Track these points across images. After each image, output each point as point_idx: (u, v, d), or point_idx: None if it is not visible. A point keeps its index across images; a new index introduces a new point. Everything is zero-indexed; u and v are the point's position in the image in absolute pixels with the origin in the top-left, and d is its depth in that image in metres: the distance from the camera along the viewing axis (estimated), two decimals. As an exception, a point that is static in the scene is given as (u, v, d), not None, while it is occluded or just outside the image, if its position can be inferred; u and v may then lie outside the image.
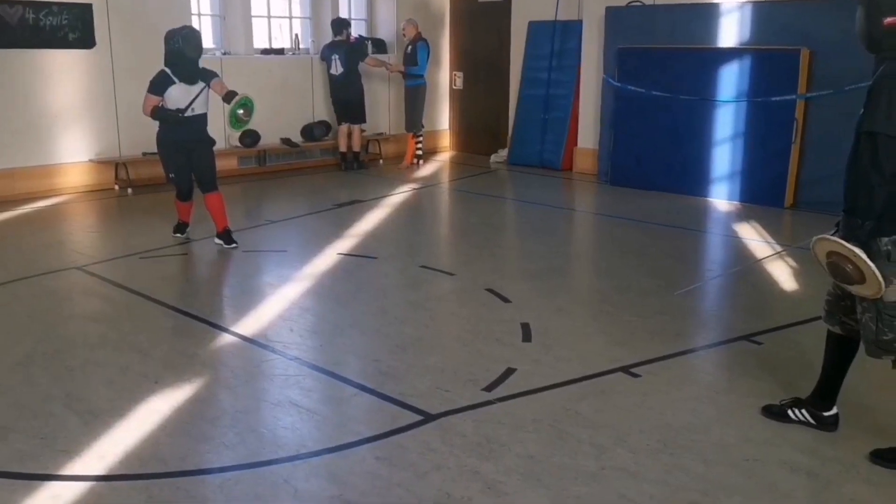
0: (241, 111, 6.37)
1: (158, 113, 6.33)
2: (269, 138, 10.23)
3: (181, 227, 6.95)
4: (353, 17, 11.32)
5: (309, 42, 10.92)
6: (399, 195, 9.00)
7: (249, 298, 5.45)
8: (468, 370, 4.20)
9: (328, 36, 10.46)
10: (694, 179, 8.75)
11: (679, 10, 8.84)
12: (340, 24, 10.35)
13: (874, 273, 2.97)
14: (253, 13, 10.22)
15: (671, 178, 8.84)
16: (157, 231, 7.16)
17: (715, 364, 4.45)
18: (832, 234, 3.19)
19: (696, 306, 5.35)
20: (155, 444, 3.46)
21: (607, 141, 9.54)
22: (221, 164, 9.80)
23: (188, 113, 6.33)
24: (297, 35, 10.82)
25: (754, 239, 7.04)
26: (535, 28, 10.73)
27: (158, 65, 6.40)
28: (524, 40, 10.90)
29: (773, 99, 8.04)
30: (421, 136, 10.78)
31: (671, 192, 8.76)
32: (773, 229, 7.36)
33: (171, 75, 6.28)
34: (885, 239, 3.04)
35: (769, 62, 8.14)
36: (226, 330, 4.83)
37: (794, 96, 7.95)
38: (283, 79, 10.33)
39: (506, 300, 5.34)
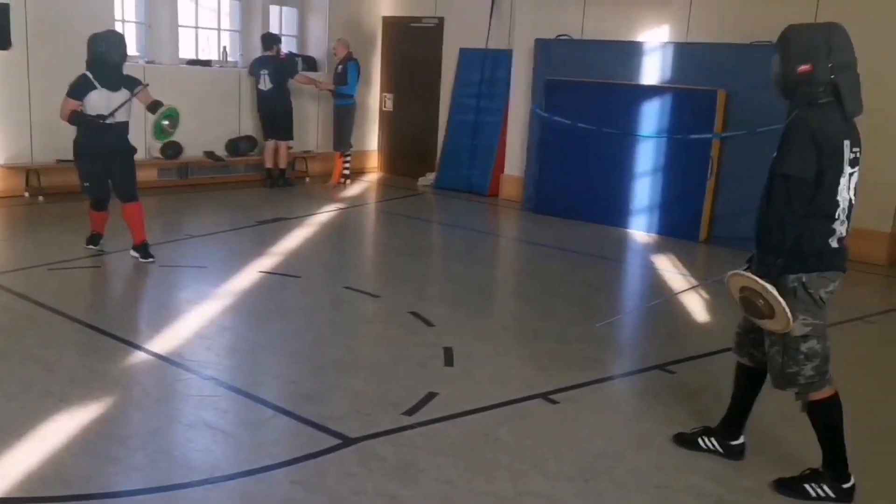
0: (166, 122, 6.22)
1: (76, 118, 6.06)
2: (193, 151, 10.01)
3: (95, 239, 6.67)
4: (283, 32, 11.23)
5: (237, 55, 10.77)
6: (325, 214, 8.92)
7: (165, 315, 5.29)
8: (389, 393, 4.17)
9: (258, 50, 10.35)
10: (615, 210, 8.97)
11: (605, 47, 9.10)
12: (271, 40, 10.26)
13: (784, 309, 3.10)
14: (180, 23, 10.02)
15: (593, 208, 9.05)
16: (68, 242, 6.89)
17: (630, 392, 4.55)
18: (744, 270, 3.32)
19: (613, 335, 5.47)
20: (58, 464, 3.30)
21: (533, 169, 9.70)
22: (141, 176, 9.44)
23: (109, 120, 6.07)
24: (225, 47, 10.67)
25: (670, 271, 7.26)
26: (466, 55, 10.87)
27: (78, 69, 6.19)
28: (455, 66, 11.02)
29: (691, 137, 8.35)
30: (349, 155, 10.74)
31: (593, 221, 8.96)
32: (689, 262, 7.61)
33: (93, 80, 6.04)
34: (793, 276, 3.16)
35: (688, 101, 8.45)
36: (138, 347, 4.67)
37: (710, 135, 8.26)
38: (208, 91, 10.14)
39: (429, 324, 5.34)
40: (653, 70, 8.83)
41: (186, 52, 10.36)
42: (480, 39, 10.54)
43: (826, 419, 3.31)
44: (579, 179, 9.19)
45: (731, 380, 3.69)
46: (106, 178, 6.30)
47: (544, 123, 9.39)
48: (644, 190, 8.82)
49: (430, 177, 11.21)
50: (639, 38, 9.00)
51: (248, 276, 6.26)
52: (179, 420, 3.82)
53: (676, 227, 8.55)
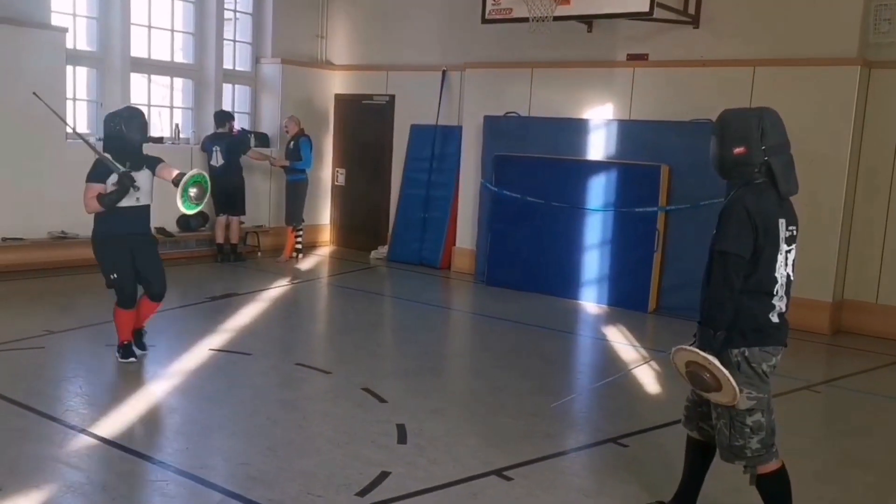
0: (193, 190, 5.52)
1: (106, 198, 5.46)
2: (142, 227, 9.90)
3: (129, 349, 5.83)
4: (236, 110, 11.34)
5: (190, 132, 10.82)
6: (276, 289, 8.86)
7: (111, 397, 5.16)
8: (341, 474, 4.10)
9: (210, 127, 10.42)
10: (565, 282, 9.11)
11: (552, 123, 9.40)
12: (223, 117, 10.35)
13: (729, 380, 3.18)
14: (133, 100, 10.05)
15: (545, 280, 9.17)
16: (8, 322, 6.70)
17: (584, 466, 4.55)
18: (690, 345, 3.40)
19: (566, 409, 5.48)
20: (-7, 560, 3.16)
21: (484, 242, 9.83)
22: (88, 253, 9.41)
23: (133, 203, 5.57)
24: (177, 124, 10.71)
25: (621, 342, 7.35)
26: (417, 131, 11.09)
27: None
28: (406, 142, 11.23)
29: (637, 210, 8.59)
30: (301, 230, 10.75)
31: (545, 293, 9.07)
32: (638, 333, 7.72)
33: (113, 161, 5.55)
34: (736, 350, 3.26)
35: (633, 175, 8.73)
36: (83, 431, 4.52)
37: (655, 208, 8.52)
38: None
39: (382, 400, 5.29)
40: (598, 146, 9.12)
41: (138, 128, 10.35)
42: (431, 116, 10.79)
43: (774, 492, 3.37)
44: (530, 252, 9.34)
45: (683, 452, 3.73)
46: (132, 269, 5.70)
47: (494, 197, 9.57)
48: (593, 262, 8.99)
49: (383, 250, 11.27)
50: (584, 116, 9.32)
51: (198, 354, 6.16)
52: (124, 508, 3.70)
53: (626, 299, 8.70)
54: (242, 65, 11.52)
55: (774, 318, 3.29)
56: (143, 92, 10.40)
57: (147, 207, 5.78)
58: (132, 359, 5.79)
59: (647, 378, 6.26)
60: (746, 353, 3.25)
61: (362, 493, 3.89)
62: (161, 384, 5.42)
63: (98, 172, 5.58)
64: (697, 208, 8.16)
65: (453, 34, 10.56)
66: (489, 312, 8.45)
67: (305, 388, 5.63)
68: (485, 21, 9.12)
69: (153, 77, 10.52)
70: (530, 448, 4.59)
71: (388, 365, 6.47)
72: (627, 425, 5.08)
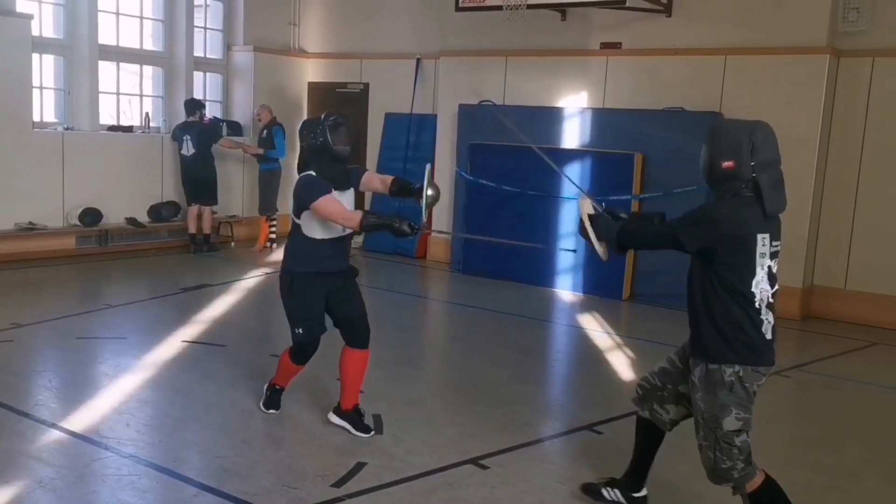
0: (430, 192, 4.63)
1: (374, 223, 4.26)
2: (113, 217, 9.79)
3: (276, 399, 4.85)
4: (208, 98, 11.20)
5: (160, 121, 10.67)
6: (251, 280, 8.79)
7: (81, 390, 5.08)
8: (317, 465, 4.09)
9: (181, 116, 10.28)
10: (541, 271, 9.13)
11: (527, 112, 9.38)
12: (194, 105, 10.21)
13: (594, 244, 3.53)
14: (101, 89, 9.90)
15: (520, 269, 9.19)
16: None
17: (560, 454, 4.58)
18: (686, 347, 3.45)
19: (543, 397, 5.51)
20: (-38, 558, 3.11)
21: (460, 231, 9.82)
22: (57, 244, 9.37)
23: (341, 233, 4.46)
24: (147, 113, 10.55)
25: (596, 330, 7.40)
26: (392, 120, 11.04)
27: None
28: (381, 130, 11.17)
29: (611, 198, 8.61)
30: (275, 219, 10.67)
31: (520, 281, 9.09)
32: (613, 320, 7.77)
33: (322, 181, 4.37)
34: (730, 370, 3.18)
35: (607, 164, 8.76)
36: (52, 425, 4.46)
37: (629, 196, 8.55)
38: (130, 157, 9.99)
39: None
40: (573, 134, 9.13)
41: (107, 118, 10.21)
42: (405, 104, 10.74)
43: (772, 500, 3.31)
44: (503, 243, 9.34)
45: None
46: (323, 317, 4.63)
47: (470, 186, 9.56)
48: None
49: (358, 239, 11.20)
50: (559, 104, 9.32)
51: (171, 346, 6.10)
52: (96, 503, 3.65)
53: (601, 286, 8.75)
54: (213, 52, 11.37)
55: (768, 335, 3.22)
56: (112, 80, 10.24)
57: (351, 237, 4.64)
58: (273, 410, 4.83)
59: (622, 366, 6.30)
60: (741, 373, 3.18)
61: (338, 483, 3.88)
62: (133, 377, 5.35)
63: (320, 185, 4.34)
64: (671, 196, 8.20)
65: (427, 22, 10.51)
66: (465, 301, 8.46)
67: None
68: (459, 9, 9.08)
69: (122, 65, 10.36)
70: (506, 437, 4.61)
71: (363, 355, 6.43)
72: (602, 413, 5.11)
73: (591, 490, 3.82)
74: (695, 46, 8.42)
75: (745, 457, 3.24)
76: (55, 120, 9.66)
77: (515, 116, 9.48)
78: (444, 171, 10.21)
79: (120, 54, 10.24)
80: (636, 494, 3.71)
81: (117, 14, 10.18)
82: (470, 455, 4.29)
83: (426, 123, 10.59)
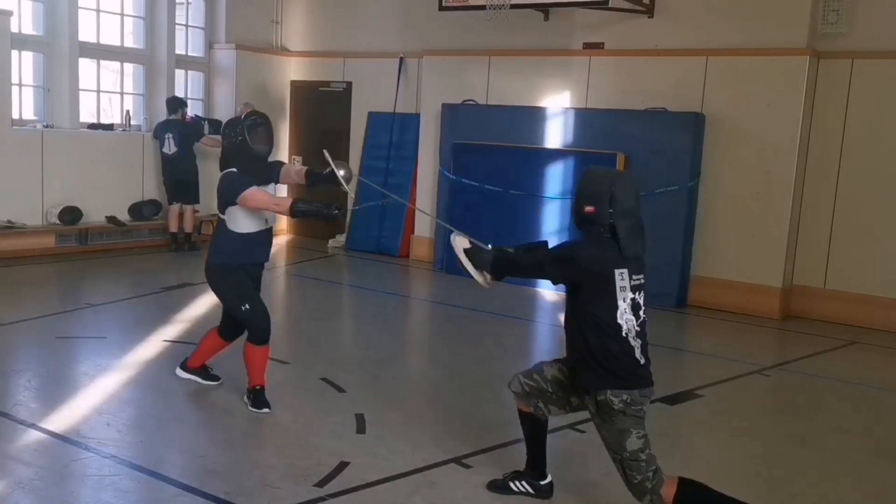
0: (342, 171, 4.77)
1: (304, 207, 4.50)
2: (94, 216, 9.71)
3: (261, 397, 4.81)
4: (189, 96, 11.13)
5: (141, 119, 10.59)
6: (232, 279, 8.74)
7: (61, 390, 5.04)
8: (300, 465, 4.08)
9: (162, 114, 10.21)
10: (523, 270, 9.14)
11: (510, 111, 9.41)
12: (176, 103, 10.15)
13: (473, 275, 3.77)
14: (81, 86, 9.81)
15: (502, 268, 9.19)
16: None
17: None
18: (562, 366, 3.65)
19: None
20: (-61, 560, 3.08)
21: (443, 230, 9.83)
22: (37, 243, 9.27)
23: (264, 226, 4.76)
24: (128, 111, 10.48)
25: (578, 328, 7.42)
26: (375, 118, 11.02)
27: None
28: (364, 129, 11.15)
29: (594, 197, 8.66)
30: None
31: (502, 281, 9.08)
32: (595, 319, 7.80)
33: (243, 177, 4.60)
34: (617, 399, 3.37)
35: (590, 163, 8.74)
36: (32, 425, 4.42)
37: (612, 196, 8.58)
38: (110, 155, 9.91)
39: (340, 390, 5.27)
40: (556, 134, 9.16)
41: (87, 115, 10.12)
42: (388, 103, 10.73)
43: (700, 499, 3.40)
44: (488, 240, 9.29)
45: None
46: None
47: (453, 185, 9.57)
48: (551, 249, 9.04)
49: (341, 238, 11.20)
50: (541, 104, 9.35)
51: (152, 345, 6.06)
52: None
53: (583, 286, 8.77)
54: (195, 50, 11.30)
55: (642, 360, 3.43)
56: (92, 78, 10.15)
57: (272, 231, 4.90)
58: (266, 409, 4.78)
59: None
60: (628, 399, 3.37)
61: (321, 483, 3.87)
62: (113, 376, 5.32)
63: (245, 180, 4.62)
64: (652, 196, 8.26)
65: (411, 21, 10.50)
66: (448, 301, 8.47)
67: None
68: (442, 8, 9.09)
69: (102, 62, 10.27)
70: (489, 435, 4.62)
71: (346, 354, 6.44)
72: (584, 412, 5.12)
73: (497, 486, 3.91)
74: (677, 47, 8.48)
75: (653, 468, 3.39)
76: (34, 117, 9.56)
77: (499, 116, 9.50)
78: (427, 169, 10.23)
79: (100, 51, 10.15)
80: (542, 482, 3.86)
81: (98, 11, 10.09)
82: (452, 454, 4.30)
83: (409, 122, 10.58)
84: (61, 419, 4.53)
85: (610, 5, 8.17)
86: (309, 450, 4.29)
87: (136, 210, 10.17)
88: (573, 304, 3.50)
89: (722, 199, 8.34)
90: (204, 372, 5.21)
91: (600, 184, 3.45)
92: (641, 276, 3.47)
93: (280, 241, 11.56)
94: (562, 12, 9.08)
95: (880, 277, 7.91)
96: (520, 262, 3.77)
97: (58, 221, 9.35)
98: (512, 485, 3.87)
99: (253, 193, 4.51)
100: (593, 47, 9.06)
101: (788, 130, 7.97)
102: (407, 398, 5.34)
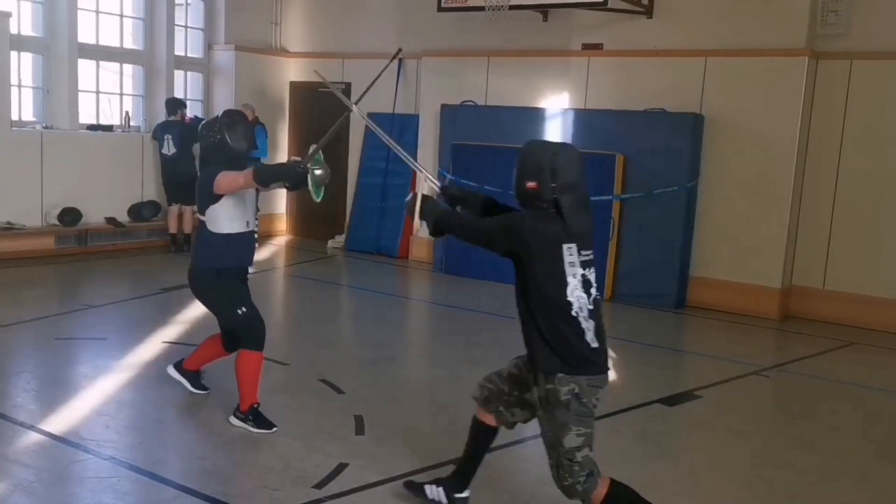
0: (318, 171, 4.56)
1: (267, 172, 4.43)
2: (93, 217, 9.72)
3: (261, 419, 4.57)
4: (189, 97, 11.14)
5: (140, 120, 10.60)
6: (231, 280, 8.74)
7: (60, 391, 5.04)
8: (298, 466, 4.08)
9: (161, 115, 10.22)
10: (522, 270, 9.14)
11: (508, 112, 9.41)
12: (175, 104, 10.15)
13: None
14: (80, 87, 9.81)
15: (502, 268, 9.15)
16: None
17: (541, 454, 4.52)
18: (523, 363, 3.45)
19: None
20: (-62, 562, 3.08)
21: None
22: (37, 244, 9.27)
23: (247, 228, 4.68)
24: (127, 112, 10.48)
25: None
26: (374, 119, 10.98)
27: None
28: (363, 130, 11.15)
29: (593, 199, 8.64)
30: (256, 219, 10.60)
31: (502, 281, 9.03)
32: (594, 320, 7.80)
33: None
34: (565, 388, 3.18)
35: (589, 165, 8.71)
36: (31, 427, 4.43)
37: (611, 196, 8.60)
38: (110, 156, 9.92)
39: (339, 391, 5.28)
40: (554, 135, 9.15)
41: (87, 117, 10.12)
42: (388, 104, 10.73)
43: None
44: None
45: (638, 440, 3.78)
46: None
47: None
48: (550, 250, 9.04)
49: (340, 239, 11.20)
50: (540, 105, 9.35)
51: (151, 347, 6.06)
52: (75, 505, 3.63)
53: (582, 286, 8.77)
54: (194, 51, 11.30)
55: (594, 343, 3.24)
56: (92, 79, 10.16)
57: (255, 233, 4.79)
58: (275, 428, 4.56)
59: (603, 365, 6.33)
60: (576, 390, 3.19)
61: (319, 485, 3.88)
62: (113, 378, 5.32)
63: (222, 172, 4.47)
64: (651, 197, 8.28)
65: (410, 22, 10.51)
66: (447, 301, 8.47)
67: (262, 380, 5.56)
68: (441, 9, 9.09)
69: (102, 63, 10.27)
70: (488, 437, 4.61)
71: (345, 355, 6.45)
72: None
73: (412, 486, 3.79)
74: (676, 48, 8.49)
75: (587, 472, 3.22)
76: (34, 119, 9.57)
77: (498, 117, 9.50)
78: (426, 170, 10.20)
79: (99, 52, 10.16)
80: (459, 495, 3.69)
81: (97, 12, 10.10)
82: (450, 455, 4.28)
83: (409, 123, 10.58)
84: (60, 421, 4.53)
85: (609, 6, 8.17)
86: (308, 451, 4.29)
87: (136, 211, 10.18)
88: (521, 282, 3.31)
89: (721, 200, 8.34)
90: (196, 378, 5.10)
91: (540, 157, 3.28)
92: (591, 252, 3.29)
93: (279, 242, 11.57)
94: (561, 13, 9.08)
95: (879, 278, 7.92)
96: (466, 226, 3.53)
97: (57, 223, 9.35)
98: (428, 489, 3.70)
99: (222, 177, 4.39)
100: (592, 48, 9.07)
101: (787, 131, 7.97)
102: (406, 399, 5.34)
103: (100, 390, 5.08)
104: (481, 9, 8.49)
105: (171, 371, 5.15)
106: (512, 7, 8.38)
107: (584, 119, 9.00)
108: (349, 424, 4.68)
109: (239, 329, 4.60)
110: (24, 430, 4.38)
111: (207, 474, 3.95)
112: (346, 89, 11.35)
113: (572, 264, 3.21)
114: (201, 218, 4.58)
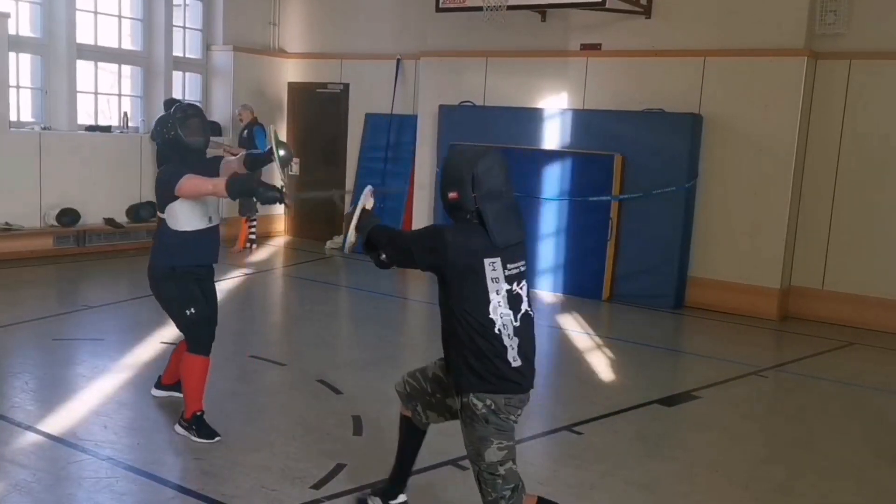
0: (282, 152, 4.58)
1: (242, 183, 4.05)
2: (91, 218, 9.71)
3: (204, 426, 4.42)
4: (187, 98, 11.12)
5: (139, 121, 10.59)
6: (230, 280, 8.74)
7: (58, 392, 5.03)
8: (296, 467, 4.08)
9: (160, 115, 10.19)
10: (521, 271, 9.14)
11: (507, 113, 9.41)
12: (173, 105, 10.10)
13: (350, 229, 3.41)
14: (79, 88, 9.80)
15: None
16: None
17: (539, 454, 4.59)
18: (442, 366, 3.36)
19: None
20: (-66, 563, 3.07)
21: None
22: (35, 244, 9.27)
23: (208, 224, 4.47)
24: (126, 113, 10.47)
25: (576, 330, 7.43)
26: (372, 120, 11.02)
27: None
28: (361, 130, 11.16)
29: (591, 199, 8.67)
30: (255, 220, 10.62)
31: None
32: (593, 321, 7.81)
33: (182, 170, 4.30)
34: (481, 404, 3.06)
35: (587, 165, 8.79)
36: (29, 428, 4.42)
37: (609, 197, 8.60)
38: (108, 157, 9.91)
39: (337, 391, 5.27)
40: (553, 135, 9.16)
41: (85, 117, 10.12)
42: (386, 105, 10.73)
43: None
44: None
45: (637, 441, 3.78)
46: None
47: (450, 187, 9.55)
48: (548, 251, 9.05)
49: (338, 240, 11.18)
50: (538, 105, 9.35)
51: (149, 347, 6.05)
52: (72, 506, 3.63)
53: (581, 287, 8.78)
54: (193, 52, 11.30)
55: (515, 362, 3.08)
56: (90, 80, 10.15)
57: (218, 228, 4.59)
58: (218, 437, 4.39)
59: (602, 366, 6.33)
60: (493, 406, 3.05)
61: (317, 485, 3.87)
62: (111, 378, 5.31)
63: (180, 168, 4.33)
64: (650, 197, 8.28)
65: (408, 22, 10.51)
66: (445, 302, 8.45)
67: (260, 381, 5.57)
68: (439, 10, 9.08)
69: (100, 64, 10.26)
70: (486, 437, 4.61)
71: (343, 356, 6.44)
72: (582, 413, 5.13)
73: (360, 501, 3.70)
74: (674, 48, 8.49)
75: (511, 486, 3.08)
76: (32, 119, 9.56)
77: (496, 117, 9.49)
78: (424, 171, 10.23)
79: (98, 53, 10.15)
80: (393, 502, 3.61)
81: (95, 13, 10.09)
82: (449, 456, 4.29)
83: (407, 124, 10.58)
84: (58, 421, 4.52)
85: (607, 6, 8.17)
86: (305, 452, 4.28)
87: (134, 212, 10.16)
88: (443, 296, 3.17)
89: (719, 200, 8.34)
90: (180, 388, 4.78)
91: (460, 165, 3.12)
92: (520, 265, 3.14)
93: (277, 243, 11.56)
94: (559, 13, 9.08)
95: (878, 278, 7.92)
96: (393, 239, 3.32)
97: (55, 223, 9.34)
98: (370, 501, 3.63)
99: (188, 180, 4.19)
100: (590, 48, 9.06)
101: (786, 131, 7.97)
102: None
103: (98, 391, 5.07)
104: (479, 9, 8.48)
105: (156, 392, 4.98)
106: (510, 7, 8.38)
107: (582, 119, 9.00)
108: (347, 424, 4.67)
109: (184, 331, 4.47)
110: (21, 431, 4.37)
111: (205, 474, 3.95)
112: (345, 89, 11.37)
113: (496, 280, 3.06)
114: (161, 215, 4.43)
